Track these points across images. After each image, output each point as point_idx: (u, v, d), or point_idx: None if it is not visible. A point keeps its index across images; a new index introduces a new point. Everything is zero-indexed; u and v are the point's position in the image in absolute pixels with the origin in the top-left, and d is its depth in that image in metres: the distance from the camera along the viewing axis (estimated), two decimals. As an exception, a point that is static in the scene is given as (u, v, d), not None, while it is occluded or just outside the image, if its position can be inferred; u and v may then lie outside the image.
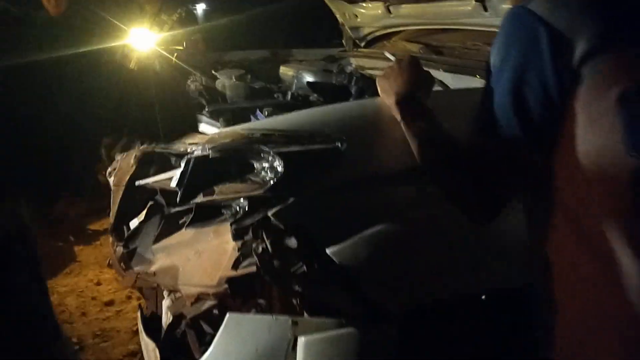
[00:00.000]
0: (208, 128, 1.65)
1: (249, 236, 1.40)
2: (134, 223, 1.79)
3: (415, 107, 1.37)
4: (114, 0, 4.12)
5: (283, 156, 1.40)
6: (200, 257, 1.67)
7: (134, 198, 1.75)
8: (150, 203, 1.75)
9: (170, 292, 1.69)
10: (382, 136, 1.48)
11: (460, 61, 2.54)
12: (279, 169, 1.44)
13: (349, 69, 2.65)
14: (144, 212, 1.76)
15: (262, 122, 1.53)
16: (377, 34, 3.39)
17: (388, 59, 2.93)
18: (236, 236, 1.44)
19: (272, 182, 1.40)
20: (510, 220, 1.28)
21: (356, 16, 3.36)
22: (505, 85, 1.06)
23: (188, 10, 4.27)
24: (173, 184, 1.37)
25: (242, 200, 1.41)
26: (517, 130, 1.05)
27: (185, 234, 1.75)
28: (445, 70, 2.55)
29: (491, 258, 1.49)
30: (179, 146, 1.61)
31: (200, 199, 1.40)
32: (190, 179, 1.40)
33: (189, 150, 1.47)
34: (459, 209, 1.16)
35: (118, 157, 2.01)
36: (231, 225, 1.40)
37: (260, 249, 1.37)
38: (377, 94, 2.38)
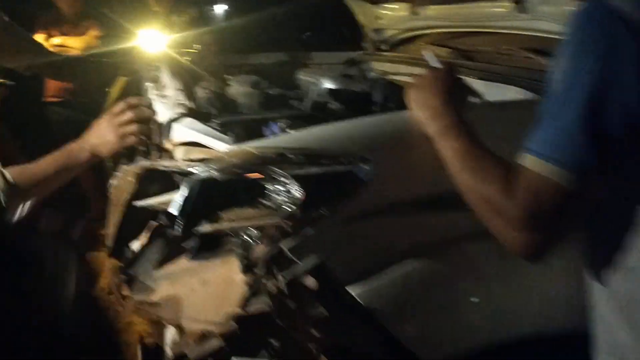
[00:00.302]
0: (216, 142, 1.47)
1: (260, 270, 1.22)
2: (134, 246, 1.61)
3: (452, 123, 1.17)
4: (122, 2, 4.00)
5: (301, 179, 1.21)
6: (206, 287, 1.49)
7: (134, 218, 1.57)
8: (152, 224, 1.57)
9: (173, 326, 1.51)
10: (413, 157, 1.29)
11: (494, 67, 2.33)
12: (296, 194, 1.25)
13: (371, 74, 2.45)
14: (146, 234, 1.58)
15: (277, 139, 1.35)
16: (402, 36, 3.19)
17: (414, 62, 2.74)
18: (246, 269, 1.25)
19: (287, 209, 1.21)
20: (563, 257, 1.09)
21: (379, 18, 3.16)
22: (577, 100, 0.86)
23: (201, 10, 4.11)
24: (173, 209, 1.19)
25: (252, 229, 1.23)
26: (590, 155, 0.86)
27: (189, 261, 1.57)
28: (478, 78, 2.36)
29: (539, 300, 1.29)
30: (183, 164, 1.42)
31: (205, 228, 1.22)
32: (194, 204, 1.21)
33: (193, 170, 1.29)
34: (504, 245, 0.98)
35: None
36: (240, 258, 1.21)
37: (273, 287, 1.19)
38: (402, 103, 2.21)
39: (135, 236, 1.59)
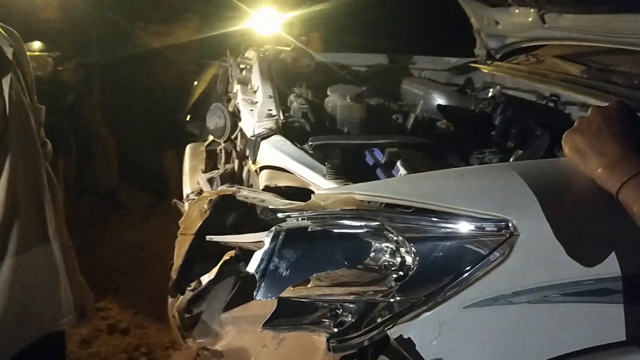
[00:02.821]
0: (309, 173, 1.20)
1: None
2: (203, 280, 1.38)
3: None
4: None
5: (421, 246, 0.92)
6: (281, 347, 1.23)
7: (205, 250, 1.33)
8: (224, 259, 1.34)
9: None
10: (581, 221, 0.96)
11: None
12: (408, 259, 0.96)
13: (491, 91, 2.10)
14: (216, 269, 1.34)
15: (388, 184, 1.06)
16: (521, 45, 2.80)
17: (539, 78, 2.35)
18: (335, 347, 0.98)
19: (398, 284, 0.92)
20: None
21: (497, 22, 2.77)
22: None
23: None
24: (251, 267, 0.92)
25: (348, 303, 0.95)
26: None
27: (265, 305, 1.32)
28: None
29: None
30: (270, 198, 1.16)
31: (289, 293, 0.95)
32: (279, 261, 0.95)
33: (280, 213, 1.02)
34: None
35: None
36: (328, 341, 0.94)
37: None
38: (527, 129, 1.85)
39: (205, 270, 1.36)
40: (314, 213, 0.98)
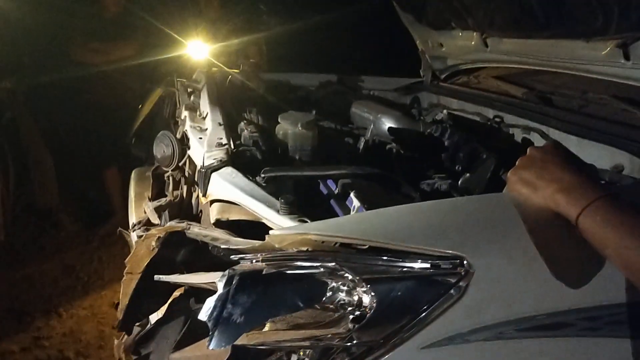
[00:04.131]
0: (262, 208, 1.17)
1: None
2: (152, 318, 1.32)
3: (599, 192, 0.92)
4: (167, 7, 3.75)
5: (378, 287, 0.91)
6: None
7: (153, 288, 1.28)
8: (174, 296, 1.28)
9: None
10: (533, 254, 0.97)
11: (581, 119, 1.98)
12: (365, 299, 0.95)
13: (439, 115, 2.13)
14: (165, 307, 1.29)
15: (343, 223, 1.04)
16: (464, 67, 2.86)
17: (482, 99, 2.40)
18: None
19: (355, 326, 0.91)
20: None
21: (441, 45, 2.83)
22: None
23: (250, 18, 3.84)
24: (203, 315, 0.89)
25: (304, 349, 0.92)
26: None
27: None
28: (561, 129, 2.02)
29: None
30: (222, 236, 1.13)
31: (244, 340, 0.91)
32: (232, 306, 0.91)
33: (233, 255, 0.98)
34: None
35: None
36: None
37: None
38: (474, 151, 1.89)
39: (153, 309, 1.30)
40: (269, 255, 0.95)
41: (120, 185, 3.94)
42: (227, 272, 0.93)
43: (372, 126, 1.96)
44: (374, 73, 3.13)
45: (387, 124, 1.98)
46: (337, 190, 1.37)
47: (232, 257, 0.97)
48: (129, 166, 3.66)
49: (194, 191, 1.75)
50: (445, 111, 2.18)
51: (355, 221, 1.04)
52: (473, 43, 2.57)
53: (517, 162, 1.06)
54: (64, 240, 3.86)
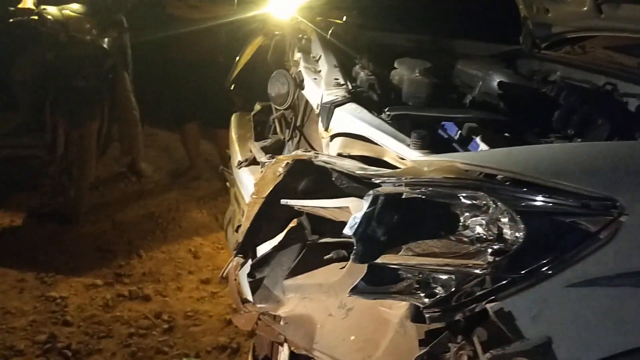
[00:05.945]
0: (394, 143, 1.15)
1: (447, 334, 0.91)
2: (266, 246, 1.35)
3: None
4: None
5: (526, 221, 0.88)
6: (348, 316, 1.20)
7: (273, 216, 1.30)
8: (291, 225, 1.30)
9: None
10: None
11: None
12: (508, 233, 0.93)
13: (553, 77, 2.04)
14: (282, 235, 1.31)
15: (494, 155, 1.02)
16: (570, 35, 2.72)
17: (594, 68, 2.28)
18: (417, 317, 0.95)
19: (498, 257, 0.89)
20: None
21: (547, 10, 2.69)
22: None
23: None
24: (347, 230, 0.89)
25: (441, 275, 0.92)
26: None
27: (330, 273, 1.29)
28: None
29: None
30: (351, 165, 1.13)
31: (384, 258, 0.91)
32: (377, 225, 0.91)
33: (373, 178, 0.98)
34: None
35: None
36: (424, 310, 0.91)
37: None
38: (591, 115, 1.80)
39: (271, 235, 1.33)
40: (413, 179, 0.95)
41: (198, 140, 4.06)
42: (371, 192, 0.93)
43: (480, 83, 1.90)
44: (469, 38, 3.03)
45: (500, 79, 1.91)
46: (458, 134, 1.34)
47: (374, 180, 0.97)
48: (209, 122, 3.80)
49: (295, 135, 1.76)
50: (559, 72, 2.09)
51: (505, 154, 1.01)
52: (585, 8, 2.43)
53: None
54: (145, 188, 4.01)
